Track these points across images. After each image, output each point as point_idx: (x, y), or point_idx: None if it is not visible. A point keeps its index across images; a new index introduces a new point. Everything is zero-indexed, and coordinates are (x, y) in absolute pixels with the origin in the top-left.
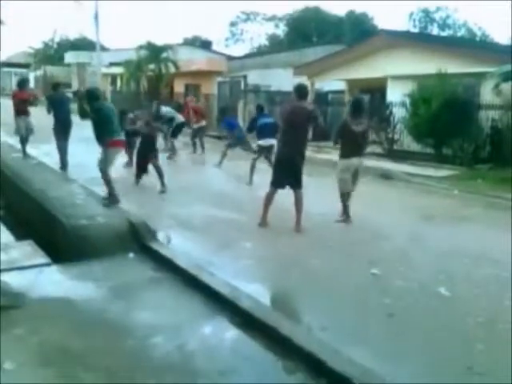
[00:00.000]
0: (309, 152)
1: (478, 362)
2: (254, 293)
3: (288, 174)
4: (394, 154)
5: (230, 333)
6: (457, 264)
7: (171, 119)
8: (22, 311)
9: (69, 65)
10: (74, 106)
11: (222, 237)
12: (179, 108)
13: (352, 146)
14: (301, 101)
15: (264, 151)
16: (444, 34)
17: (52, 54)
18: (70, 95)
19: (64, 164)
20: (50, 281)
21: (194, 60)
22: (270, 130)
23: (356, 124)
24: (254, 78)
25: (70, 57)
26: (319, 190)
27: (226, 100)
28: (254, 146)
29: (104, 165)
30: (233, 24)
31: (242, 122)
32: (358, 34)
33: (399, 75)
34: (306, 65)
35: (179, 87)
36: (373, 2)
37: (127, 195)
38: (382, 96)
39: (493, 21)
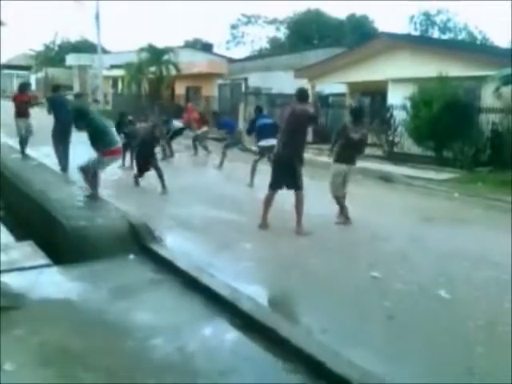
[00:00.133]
0: (309, 154)
1: (478, 364)
2: (254, 294)
3: (285, 175)
4: (395, 156)
5: (230, 334)
6: (457, 266)
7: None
8: (22, 312)
9: (70, 67)
10: None
11: (222, 238)
12: (179, 110)
13: (346, 152)
14: (301, 103)
15: (265, 152)
16: (445, 37)
17: (53, 56)
18: (71, 97)
19: (64, 166)
20: (50, 282)
21: (195, 62)
22: (270, 131)
23: (355, 131)
24: (255, 80)
25: (71, 59)
26: (319, 192)
27: (226, 102)
28: (254, 148)
29: (96, 167)
30: (234, 27)
31: (242, 123)
32: (358, 36)
33: (400, 78)
34: (307, 67)
35: (180, 89)
36: (374, 4)
37: (127, 197)
38: (383, 99)
39: (493, 24)
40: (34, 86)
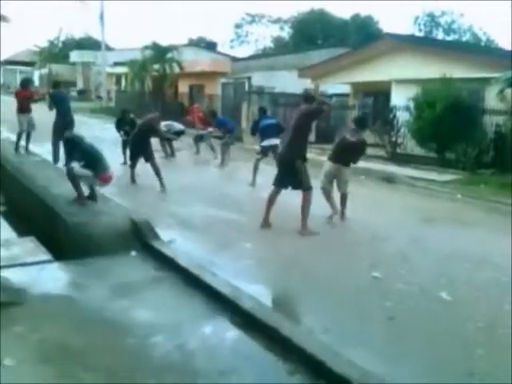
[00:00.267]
0: (312, 154)
1: (478, 365)
2: (255, 293)
3: (289, 174)
4: (397, 157)
5: (231, 333)
6: (458, 268)
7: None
8: (23, 308)
9: (74, 64)
10: (79, 105)
11: (222, 237)
12: (183, 109)
13: (341, 152)
14: (307, 104)
15: (268, 151)
16: (449, 38)
17: (57, 53)
18: (74, 94)
19: (56, 159)
20: (52, 278)
21: (198, 61)
22: (273, 131)
23: (351, 135)
24: (259, 79)
25: (75, 56)
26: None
27: (230, 101)
28: (257, 147)
29: (79, 176)
30: (238, 26)
31: (245, 122)
32: (363, 37)
33: (404, 79)
34: (311, 67)
35: (183, 88)
36: (378, 5)
37: (127, 195)
38: (386, 99)
39: (498, 26)
40: (37, 82)
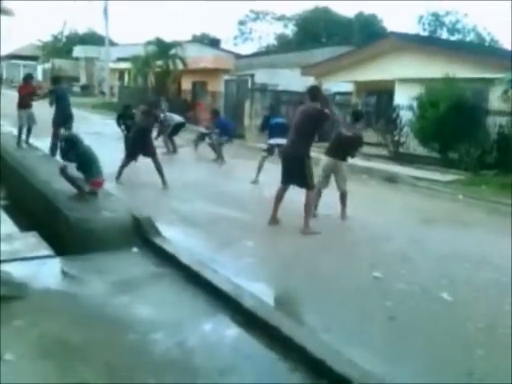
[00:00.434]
0: (314, 153)
1: (479, 366)
2: (256, 292)
3: (292, 172)
4: (400, 157)
5: (231, 331)
6: (458, 268)
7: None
8: (24, 302)
9: (77, 59)
10: (82, 100)
11: (224, 235)
12: (186, 105)
13: (334, 147)
14: (313, 102)
15: (274, 149)
16: (453, 38)
17: (60, 48)
18: (77, 89)
19: (54, 152)
20: (53, 273)
21: (202, 57)
22: (282, 130)
23: (348, 130)
24: (262, 77)
25: (78, 51)
26: (326, 191)
27: (232, 98)
28: (259, 145)
29: (75, 179)
30: (242, 22)
31: (247, 120)
32: (366, 35)
33: (407, 78)
34: (314, 65)
35: (186, 84)
36: (382, 4)
37: (128, 191)
38: (389, 98)
39: (502, 27)
40: (40, 77)
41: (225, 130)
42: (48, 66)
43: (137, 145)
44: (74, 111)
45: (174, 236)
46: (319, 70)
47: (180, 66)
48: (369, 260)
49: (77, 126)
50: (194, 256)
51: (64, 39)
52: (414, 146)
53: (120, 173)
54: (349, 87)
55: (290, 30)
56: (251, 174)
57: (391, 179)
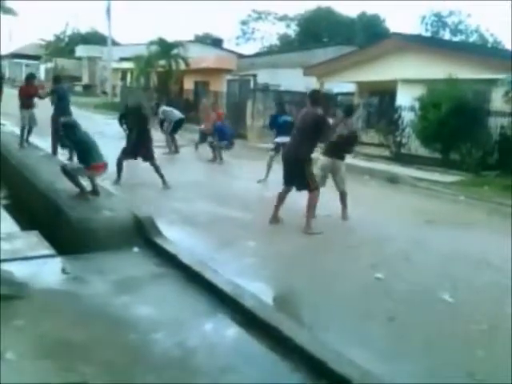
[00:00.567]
0: (315, 154)
1: (479, 367)
2: (257, 292)
3: (293, 175)
4: (402, 157)
5: (232, 331)
6: (460, 269)
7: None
8: (24, 302)
9: (79, 58)
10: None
11: (226, 234)
12: (188, 105)
13: (334, 147)
14: (313, 106)
15: (280, 148)
16: (456, 39)
17: (63, 47)
18: (79, 89)
19: (55, 151)
20: (54, 272)
21: (204, 57)
22: (289, 128)
23: (343, 128)
24: (264, 77)
25: (80, 50)
26: (325, 191)
27: (235, 98)
28: (270, 145)
29: (72, 171)
30: (244, 22)
31: (249, 120)
32: (369, 35)
33: (409, 79)
34: (316, 65)
35: (189, 84)
36: (385, 4)
37: (129, 191)
38: (392, 99)
39: (505, 27)
40: (43, 76)
41: (224, 135)
42: (51, 65)
43: (134, 146)
44: (76, 111)
45: (175, 236)
46: (321, 71)
47: (182, 66)
48: (370, 261)
49: (85, 125)
50: (195, 256)
51: (66, 39)
52: (415, 147)
53: (119, 176)
54: (351, 87)
55: (292, 30)
56: (253, 173)
57: (393, 180)
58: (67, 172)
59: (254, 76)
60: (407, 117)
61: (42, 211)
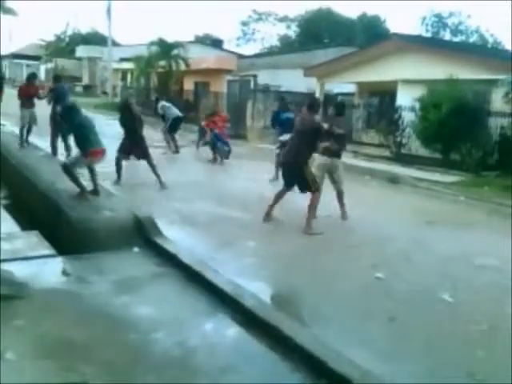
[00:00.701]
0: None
1: (479, 367)
2: (257, 291)
3: (291, 176)
4: (402, 157)
5: (232, 330)
6: (460, 269)
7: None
8: (25, 302)
9: (80, 58)
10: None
11: (226, 234)
12: (188, 106)
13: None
14: (310, 113)
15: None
16: (456, 39)
17: (63, 48)
18: (80, 89)
19: (55, 151)
20: (54, 272)
21: (204, 58)
22: (291, 126)
23: (337, 126)
24: (264, 77)
25: (81, 51)
26: (325, 191)
27: (235, 99)
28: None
29: (71, 165)
30: (244, 23)
31: (250, 121)
32: (369, 36)
33: (410, 79)
34: (317, 66)
35: (189, 85)
36: (385, 5)
37: (130, 191)
38: (392, 99)
39: (505, 28)
40: (43, 77)
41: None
42: (51, 65)
43: (127, 144)
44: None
45: (175, 236)
46: (322, 71)
47: (182, 67)
48: (371, 260)
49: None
50: (195, 256)
51: (67, 39)
52: (416, 147)
53: (119, 176)
54: (351, 88)
55: (292, 31)
56: (253, 174)
57: (393, 180)
58: (68, 171)
59: (255, 77)
60: (407, 117)
61: (43, 211)
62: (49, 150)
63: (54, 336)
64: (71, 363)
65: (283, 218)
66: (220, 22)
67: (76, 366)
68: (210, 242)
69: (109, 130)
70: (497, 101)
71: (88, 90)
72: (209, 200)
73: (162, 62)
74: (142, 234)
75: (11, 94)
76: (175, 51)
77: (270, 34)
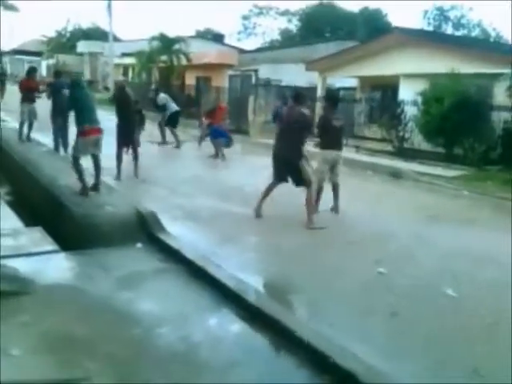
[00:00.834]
0: (309, 147)
1: (483, 363)
2: (260, 287)
3: (283, 170)
4: (404, 152)
5: (236, 326)
6: (463, 264)
7: (165, 107)
8: (29, 298)
9: (81, 54)
10: None
11: (228, 229)
12: (189, 101)
13: (331, 139)
14: (298, 105)
15: None
16: (458, 33)
17: (65, 43)
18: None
19: (57, 147)
20: (58, 268)
21: (205, 53)
22: None
23: (335, 119)
24: (266, 72)
25: (82, 46)
26: (328, 187)
27: (236, 93)
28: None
29: (75, 152)
30: (246, 17)
31: (251, 115)
32: (371, 30)
33: (412, 73)
34: (318, 60)
35: (190, 80)
36: None
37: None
38: (394, 94)
39: (507, 22)
40: (44, 72)
41: (218, 133)
42: (52, 61)
43: (121, 135)
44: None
45: (178, 231)
46: (323, 65)
47: (184, 62)
48: (373, 255)
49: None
50: (198, 251)
51: (68, 35)
52: (418, 142)
53: (119, 171)
54: (353, 82)
55: (294, 25)
56: (255, 169)
57: (395, 175)
58: (76, 162)
59: (256, 71)
60: (410, 111)
61: (46, 207)
62: (51, 145)
63: (58, 331)
64: (75, 358)
65: (285, 212)
66: (221, 16)
67: (80, 361)
68: (212, 237)
69: (111, 125)
70: (499, 95)
71: (89, 85)
72: (211, 195)
73: (164, 57)
74: (145, 230)
75: (13, 90)
76: (176, 46)
77: (271, 28)
